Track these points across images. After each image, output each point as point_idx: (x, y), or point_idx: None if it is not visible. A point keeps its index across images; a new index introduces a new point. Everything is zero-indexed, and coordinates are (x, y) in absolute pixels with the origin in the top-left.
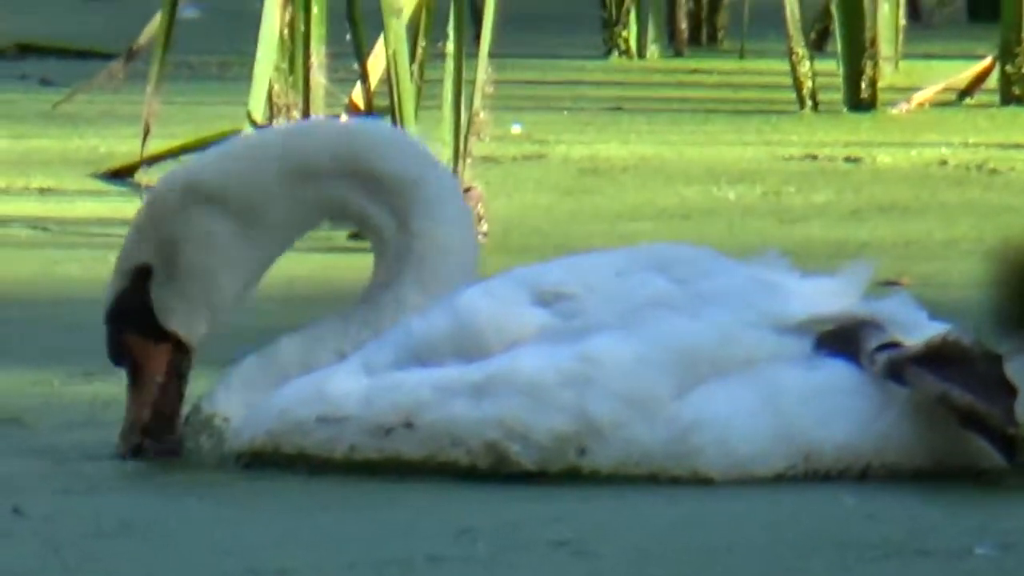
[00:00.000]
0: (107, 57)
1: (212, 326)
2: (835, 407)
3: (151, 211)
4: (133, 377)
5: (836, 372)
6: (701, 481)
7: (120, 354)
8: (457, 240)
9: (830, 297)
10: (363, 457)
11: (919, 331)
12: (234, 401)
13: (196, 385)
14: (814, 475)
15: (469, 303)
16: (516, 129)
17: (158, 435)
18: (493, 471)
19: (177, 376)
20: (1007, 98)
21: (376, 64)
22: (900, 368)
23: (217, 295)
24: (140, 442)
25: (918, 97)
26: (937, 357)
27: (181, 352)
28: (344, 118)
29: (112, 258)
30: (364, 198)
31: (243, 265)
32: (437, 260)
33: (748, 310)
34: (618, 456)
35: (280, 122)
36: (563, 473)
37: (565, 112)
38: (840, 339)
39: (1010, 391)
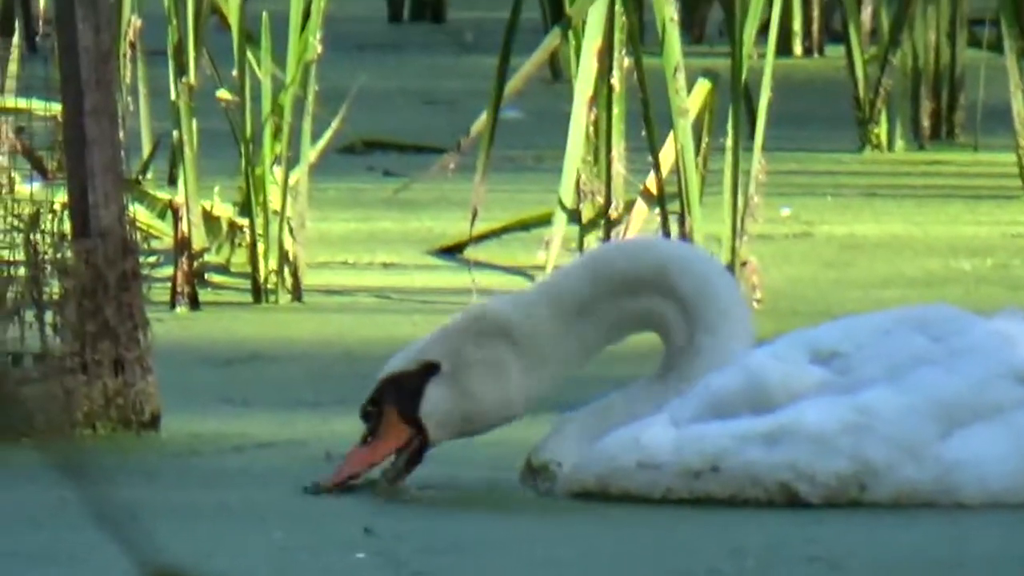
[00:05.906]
0: (440, 151)
1: (454, 438)
2: None
3: (465, 326)
4: (371, 437)
5: None
6: (947, 509)
7: (370, 414)
8: (737, 353)
9: None
10: (677, 497)
11: None
12: (568, 448)
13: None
14: None
15: (759, 364)
16: (785, 212)
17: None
18: (786, 506)
19: (404, 457)
20: None
21: (667, 156)
22: None
23: (479, 418)
24: (328, 489)
25: None
26: None
27: (418, 442)
28: (644, 237)
29: (442, 321)
30: (668, 310)
31: (516, 395)
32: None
33: (996, 363)
34: (892, 492)
35: (585, 206)
36: (846, 506)
37: (827, 197)
38: None
39: None
